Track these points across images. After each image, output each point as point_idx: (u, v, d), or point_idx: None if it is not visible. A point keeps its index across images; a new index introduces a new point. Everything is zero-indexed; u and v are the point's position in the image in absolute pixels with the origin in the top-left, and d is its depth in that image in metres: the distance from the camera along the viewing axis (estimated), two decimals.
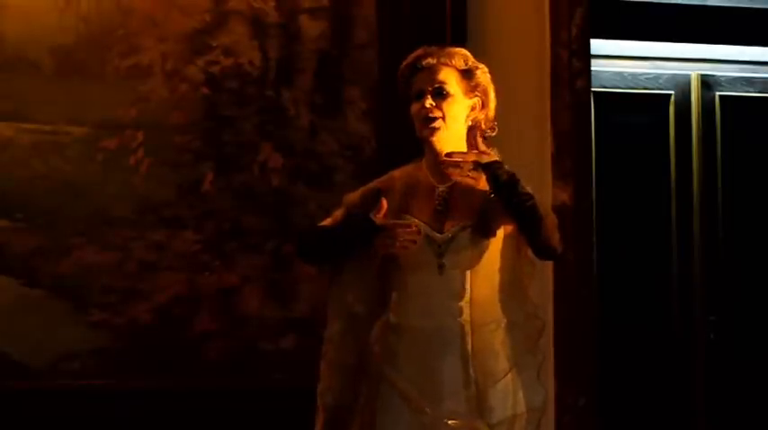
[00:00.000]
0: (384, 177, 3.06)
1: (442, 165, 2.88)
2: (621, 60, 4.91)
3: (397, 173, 3.05)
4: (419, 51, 2.99)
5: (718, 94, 4.97)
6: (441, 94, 2.92)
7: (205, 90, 3.99)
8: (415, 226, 2.86)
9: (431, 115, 2.91)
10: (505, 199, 2.83)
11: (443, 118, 2.91)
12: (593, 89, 4.35)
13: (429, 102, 2.91)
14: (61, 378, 3.83)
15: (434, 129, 2.91)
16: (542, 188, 4.08)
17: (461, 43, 3.85)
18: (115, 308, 3.89)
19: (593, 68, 4.28)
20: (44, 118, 3.88)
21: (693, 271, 4.90)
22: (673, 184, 4.91)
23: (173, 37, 3.97)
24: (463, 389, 2.89)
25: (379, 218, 2.88)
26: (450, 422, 2.87)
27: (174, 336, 3.92)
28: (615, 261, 4.81)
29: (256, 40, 4.03)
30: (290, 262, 3.98)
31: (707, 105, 4.96)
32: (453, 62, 2.95)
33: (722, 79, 5.00)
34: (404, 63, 3.01)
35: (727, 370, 4.90)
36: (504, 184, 2.82)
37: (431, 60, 2.94)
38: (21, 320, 3.83)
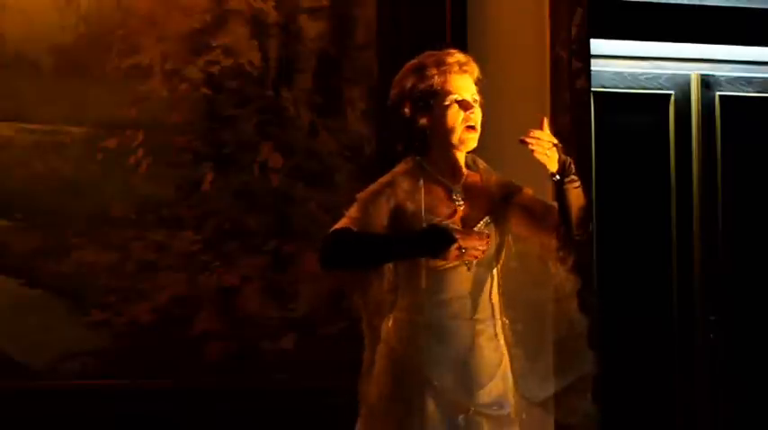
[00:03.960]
0: (389, 178, 3.03)
1: (524, 140, 2.89)
2: (621, 60, 4.90)
3: (399, 175, 3.02)
4: (456, 55, 2.99)
5: (718, 93, 4.97)
6: (475, 104, 2.99)
7: (205, 90, 3.99)
8: (487, 235, 2.91)
9: (474, 124, 2.98)
10: (566, 179, 2.91)
11: (477, 128, 2.99)
12: (593, 89, 4.35)
13: (477, 114, 2.98)
14: (61, 378, 3.83)
15: (473, 141, 2.99)
16: (542, 188, 4.07)
17: (462, 43, 3.86)
18: (115, 308, 3.89)
19: (593, 68, 4.28)
20: (44, 118, 3.88)
21: (693, 271, 4.90)
22: (673, 184, 4.91)
23: (173, 37, 3.97)
24: (499, 382, 2.96)
25: (453, 227, 2.88)
26: (486, 412, 2.93)
27: (174, 336, 3.92)
28: (615, 261, 4.80)
29: (256, 40, 4.03)
30: (290, 262, 3.99)
31: (707, 105, 4.96)
32: (476, 73, 3.01)
33: (722, 79, 4.99)
34: (435, 62, 2.99)
35: (727, 370, 4.90)
36: (567, 165, 2.91)
37: (467, 69, 2.99)
38: (21, 320, 3.83)
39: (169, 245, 3.93)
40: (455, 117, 2.96)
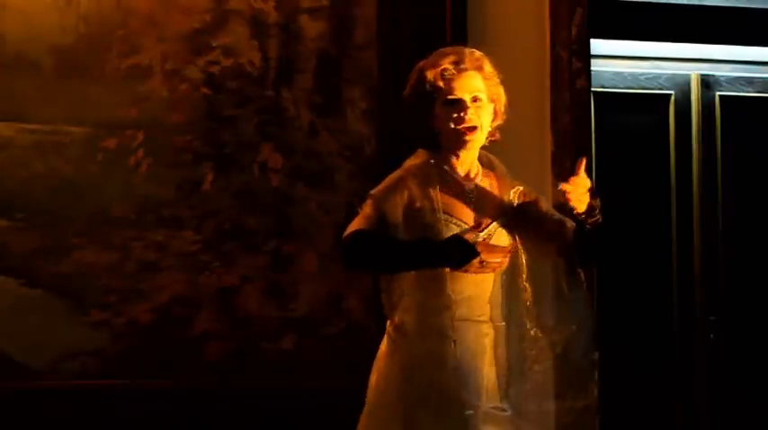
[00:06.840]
0: (401, 173, 3.00)
1: (563, 188, 2.90)
2: (621, 60, 4.90)
3: (411, 170, 3.00)
4: (452, 55, 2.98)
5: (718, 93, 4.97)
6: (476, 103, 2.96)
7: (205, 90, 3.99)
8: (508, 249, 2.91)
9: (471, 125, 2.95)
10: (590, 219, 2.93)
11: (480, 127, 2.97)
12: (593, 89, 4.35)
13: (471, 112, 2.94)
14: (61, 378, 3.84)
15: (471, 141, 2.97)
16: (542, 188, 4.08)
17: (461, 43, 3.86)
18: (115, 308, 3.89)
19: (593, 68, 4.28)
20: (44, 118, 3.89)
21: (693, 271, 4.90)
22: (673, 184, 4.91)
23: (173, 37, 3.98)
24: (502, 386, 2.98)
25: (473, 238, 2.86)
26: (487, 412, 2.94)
27: (174, 336, 3.92)
28: (615, 261, 4.80)
29: (256, 40, 4.03)
30: (289, 262, 3.99)
31: (707, 105, 4.95)
32: (484, 69, 2.99)
33: (722, 79, 4.99)
34: (431, 63, 2.98)
35: (727, 370, 4.90)
36: (592, 208, 2.92)
37: (467, 66, 2.96)
38: (21, 320, 3.84)
39: (169, 245, 3.93)
40: (447, 117, 2.95)
